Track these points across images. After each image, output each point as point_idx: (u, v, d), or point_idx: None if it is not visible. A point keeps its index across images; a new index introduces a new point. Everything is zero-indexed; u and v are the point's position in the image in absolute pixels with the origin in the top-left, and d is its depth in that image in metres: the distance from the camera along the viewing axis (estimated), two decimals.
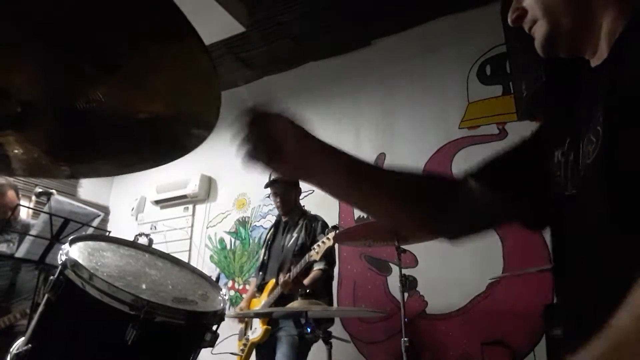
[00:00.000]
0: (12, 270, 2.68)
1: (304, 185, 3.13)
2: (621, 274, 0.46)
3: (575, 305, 0.68)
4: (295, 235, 2.70)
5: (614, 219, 0.59)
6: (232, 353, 2.65)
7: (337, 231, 2.41)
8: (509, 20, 0.76)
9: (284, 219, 2.87)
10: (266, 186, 2.87)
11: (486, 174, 0.84)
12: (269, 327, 2.51)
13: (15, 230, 2.65)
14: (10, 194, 2.77)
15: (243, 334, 2.64)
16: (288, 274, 2.42)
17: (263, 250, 2.91)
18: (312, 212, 2.87)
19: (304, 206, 2.96)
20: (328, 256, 2.54)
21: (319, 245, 2.33)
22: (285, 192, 2.80)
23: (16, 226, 2.72)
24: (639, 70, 0.55)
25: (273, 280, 2.61)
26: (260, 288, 2.73)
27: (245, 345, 2.57)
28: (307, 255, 2.36)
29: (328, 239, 2.33)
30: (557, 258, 0.75)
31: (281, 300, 2.43)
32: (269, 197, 3.78)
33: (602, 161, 0.61)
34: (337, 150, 0.77)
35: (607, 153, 0.59)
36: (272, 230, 2.94)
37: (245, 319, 2.67)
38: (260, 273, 2.81)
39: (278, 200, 2.82)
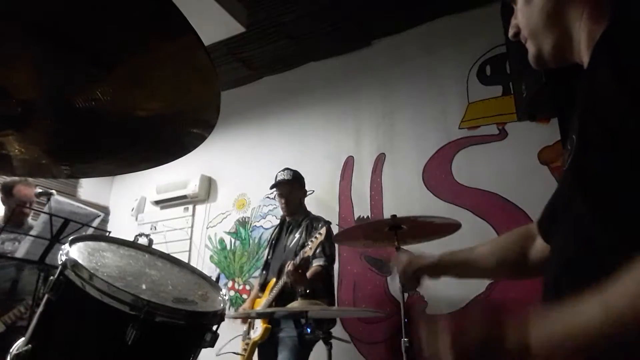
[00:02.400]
0: (17, 270, 2.68)
1: None
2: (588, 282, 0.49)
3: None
4: (297, 236, 2.70)
5: (580, 228, 0.61)
6: (234, 353, 2.65)
7: (329, 225, 2.40)
8: (509, 35, 0.81)
9: (288, 219, 2.86)
10: (272, 187, 2.86)
11: (542, 224, 0.86)
12: (269, 325, 2.51)
13: (15, 230, 2.65)
14: (33, 190, 2.80)
15: (247, 334, 2.64)
16: (292, 262, 2.40)
17: (267, 249, 2.91)
18: (312, 212, 2.87)
19: None
20: (327, 253, 2.53)
21: (312, 241, 2.33)
22: (290, 193, 2.79)
23: (26, 225, 2.74)
24: (604, 84, 0.57)
25: (274, 280, 2.61)
26: (262, 287, 2.73)
27: (247, 345, 2.57)
28: (301, 252, 2.36)
29: (320, 234, 2.32)
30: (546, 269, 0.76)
31: (281, 299, 2.43)
32: (269, 197, 3.81)
33: (571, 169, 0.64)
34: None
35: (575, 161, 0.63)
36: (276, 229, 2.94)
37: (248, 320, 2.67)
38: (264, 272, 2.81)
39: (283, 201, 2.81)
